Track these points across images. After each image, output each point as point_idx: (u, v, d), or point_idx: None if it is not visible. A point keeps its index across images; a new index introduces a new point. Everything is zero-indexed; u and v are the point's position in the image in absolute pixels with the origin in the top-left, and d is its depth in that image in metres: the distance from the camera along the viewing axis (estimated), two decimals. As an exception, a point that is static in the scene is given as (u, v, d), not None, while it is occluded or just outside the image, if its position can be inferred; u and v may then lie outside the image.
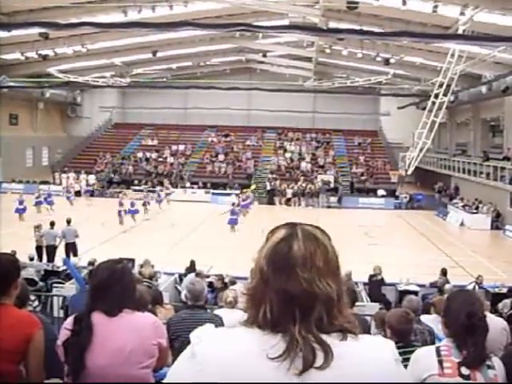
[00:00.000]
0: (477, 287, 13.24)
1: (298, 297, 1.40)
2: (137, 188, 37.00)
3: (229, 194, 36.66)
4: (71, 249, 17.61)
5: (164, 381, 1.55)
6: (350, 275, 12.77)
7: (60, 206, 29.26)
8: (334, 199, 37.02)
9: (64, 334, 2.87)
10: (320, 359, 1.35)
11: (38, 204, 28.28)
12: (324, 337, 1.39)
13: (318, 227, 1.55)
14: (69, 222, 18.48)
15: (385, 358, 1.44)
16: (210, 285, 12.38)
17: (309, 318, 1.40)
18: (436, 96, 28.24)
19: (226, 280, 12.56)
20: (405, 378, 1.50)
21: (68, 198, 32.53)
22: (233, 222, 25.59)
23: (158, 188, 35.11)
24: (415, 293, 12.37)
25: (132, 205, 27.10)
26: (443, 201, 36.82)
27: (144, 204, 28.88)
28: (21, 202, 26.86)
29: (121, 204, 26.68)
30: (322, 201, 36.70)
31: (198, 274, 13.36)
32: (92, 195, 37.70)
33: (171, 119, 49.91)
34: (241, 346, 1.42)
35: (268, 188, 38.10)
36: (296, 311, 1.40)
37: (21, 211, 26.44)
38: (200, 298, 5.61)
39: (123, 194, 30.75)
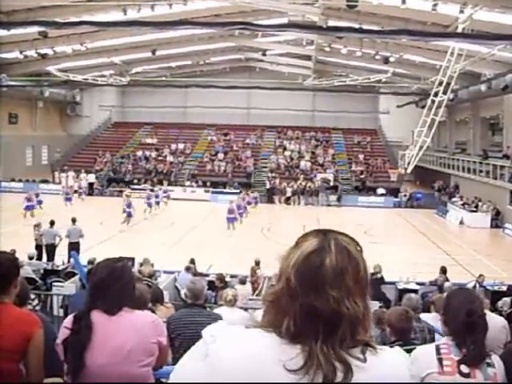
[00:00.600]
0: (478, 286, 13.24)
1: (324, 314, 1.36)
2: (136, 187, 36.95)
3: (228, 193, 36.69)
4: (75, 248, 17.49)
5: (172, 376, 1.51)
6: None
7: (59, 206, 29.22)
8: (333, 198, 37.03)
9: (63, 332, 2.87)
10: (340, 377, 1.32)
11: (28, 209, 27.05)
12: (344, 353, 1.36)
13: (350, 237, 1.50)
14: (74, 220, 18.40)
15: (402, 375, 1.43)
16: (210, 284, 12.37)
17: (333, 336, 1.36)
18: (435, 94, 28.21)
19: (233, 279, 12.55)
20: None
21: (67, 199, 31.36)
22: (231, 221, 25.65)
23: (156, 188, 34.89)
24: (415, 291, 12.39)
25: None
26: (443, 199, 36.83)
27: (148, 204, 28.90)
28: (29, 199, 27.14)
29: (129, 205, 26.11)
30: (322, 199, 36.69)
31: (189, 269, 13.44)
32: (91, 194, 37.76)
33: (171, 118, 49.83)
34: (257, 350, 1.37)
35: (267, 187, 38.12)
36: (320, 328, 1.36)
37: (30, 208, 26.65)
38: (200, 296, 5.62)
39: (126, 194, 30.32)
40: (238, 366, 1.34)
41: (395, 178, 38.75)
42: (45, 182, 38.24)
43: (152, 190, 34.10)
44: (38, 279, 13.16)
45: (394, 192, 37.88)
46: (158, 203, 31.18)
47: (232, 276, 14.20)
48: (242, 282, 11.36)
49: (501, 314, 8.14)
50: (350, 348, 1.37)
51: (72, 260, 14.59)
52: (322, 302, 1.36)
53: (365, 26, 25.86)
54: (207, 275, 13.53)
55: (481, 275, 14.19)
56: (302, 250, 1.43)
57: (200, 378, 1.39)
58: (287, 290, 1.41)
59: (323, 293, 1.37)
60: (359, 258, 1.45)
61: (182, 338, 5.09)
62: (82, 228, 18.39)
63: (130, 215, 25.84)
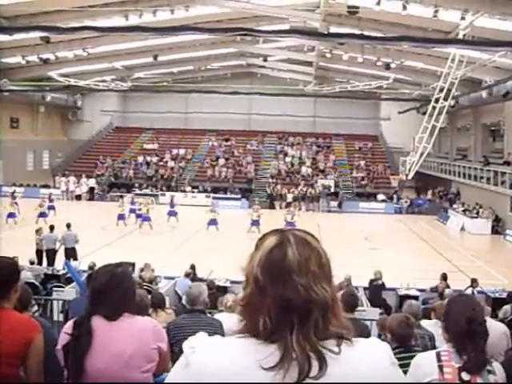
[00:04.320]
0: (475, 292, 13.19)
1: (295, 303, 1.40)
2: (137, 192, 36.97)
3: (229, 199, 36.81)
4: (71, 254, 17.49)
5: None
6: (349, 280, 12.75)
7: (60, 210, 29.17)
8: (334, 204, 37.00)
9: (64, 338, 2.86)
10: (315, 368, 1.35)
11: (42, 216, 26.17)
12: (318, 344, 1.39)
13: (307, 232, 1.57)
14: (68, 226, 18.34)
15: (380, 363, 1.46)
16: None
17: (307, 324, 1.40)
18: (436, 101, 28.25)
19: (234, 285, 12.59)
20: (402, 381, 1.52)
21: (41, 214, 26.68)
22: (213, 224, 25.86)
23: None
24: (415, 297, 12.36)
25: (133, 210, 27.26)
26: (444, 205, 36.79)
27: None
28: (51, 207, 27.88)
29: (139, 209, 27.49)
30: (323, 205, 36.69)
31: (188, 275, 13.47)
32: (92, 199, 37.91)
33: (172, 123, 49.89)
34: (235, 355, 1.41)
35: (268, 192, 38.12)
36: (294, 318, 1.40)
37: (44, 215, 26.40)
38: (197, 301, 5.59)
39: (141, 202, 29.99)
40: (217, 372, 1.39)
41: (396, 184, 38.75)
42: (46, 186, 38.23)
43: (155, 196, 34.22)
44: (38, 284, 13.13)
45: (397, 197, 37.83)
46: (174, 214, 28.37)
47: (233, 282, 14.17)
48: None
49: (502, 322, 8.11)
50: (324, 339, 1.41)
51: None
52: (292, 291, 1.40)
53: (366, 33, 25.89)
54: (206, 280, 13.47)
55: (474, 280, 14.12)
56: (263, 249, 1.49)
57: (185, 381, 1.44)
58: (257, 289, 1.45)
59: (291, 282, 1.41)
60: (318, 247, 1.52)
61: (181, 344, 5.06)
62: (82, 232, 18.39)
63: (121, 218, 26.72)
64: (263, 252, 1.48)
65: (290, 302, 1.40)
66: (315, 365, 1.35)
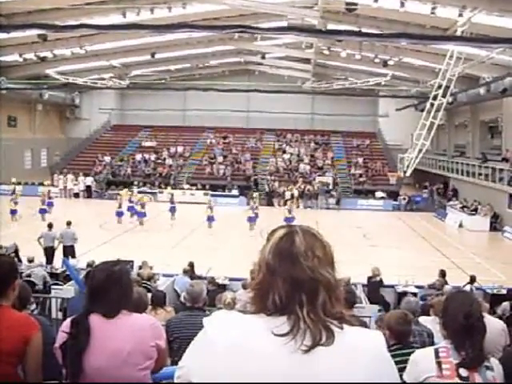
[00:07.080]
0: (474, 288, 13.21)
1: (303, 283, 1.57)
2: (135, 190, 36.94)
3: (228, 196, 36.85)
4: (69, 252, 17.46)
5: (183, 357, 1.73)
6: (348, 281, 12.73)
7: (57, 208, 29.16)
8: (332, 201, 37.01)
9: (61, 336, 2.85)
10: (324, 338, 1.52)
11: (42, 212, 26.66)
12: (326, 320, 1.56)
13: (311, 227, 1.74)
14: (69, 224, 18.32)
15: (379, 345, 1.61)
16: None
17: (315, 302, 1.56)
18: (434, 97, 28.19)
19: (233, 282, 12.54)
20: (394, 367, 1.64)
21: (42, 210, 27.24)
22: (210, 220, 25.84)
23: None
24: (414, 294, 12.37)
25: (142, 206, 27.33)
26: (442, 202, 36.82)
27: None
28: (50, 204, 27.79)
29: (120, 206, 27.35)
30: (321, 202, 36.70)
31: (186, 272, 13.47)
32: (89, 197, 37.88)
33: (170, 121, 49.88)
34: (248, 324, 1.59)
35: (267, 190, 38.12)
36: (302, 296, 1.56)
37: (43, 211, 26.59)
38: (198, 299, 5.62)
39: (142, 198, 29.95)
40: (231, 337, 1.55)
41: (394, 182, 38.76)
42: (44, 184, 38.15)
43: (153, 193, 34.18)
44: (37, 282, 13.12)
45: (393, 195, 37.89)
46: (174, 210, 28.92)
47: (231, 279, 14.18)
48: (245, 286, 11.19)
49: (500, 318, 8.12)
50: (331, 317, 1.57)
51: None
52: (300, 272, 1.57)
53: (364, 30, 25.87)
54: (205, 278, 13.48)
55: (472, 276, 14.13)
56: (273, 239, 1.67)
57: (202, 353, 1.60)
58: (268, 272, 1.61)
59: (298, 264, 1.58)
60: (322, 238, 1.71)
61: (180, 341, 5.09)
62: (80, 231, 18.35)
63: (120, 215, 26.85)
64: (273, 241, 1.66)
65: (299, 281, 1.57)
66: (324, 335, 1.52)
